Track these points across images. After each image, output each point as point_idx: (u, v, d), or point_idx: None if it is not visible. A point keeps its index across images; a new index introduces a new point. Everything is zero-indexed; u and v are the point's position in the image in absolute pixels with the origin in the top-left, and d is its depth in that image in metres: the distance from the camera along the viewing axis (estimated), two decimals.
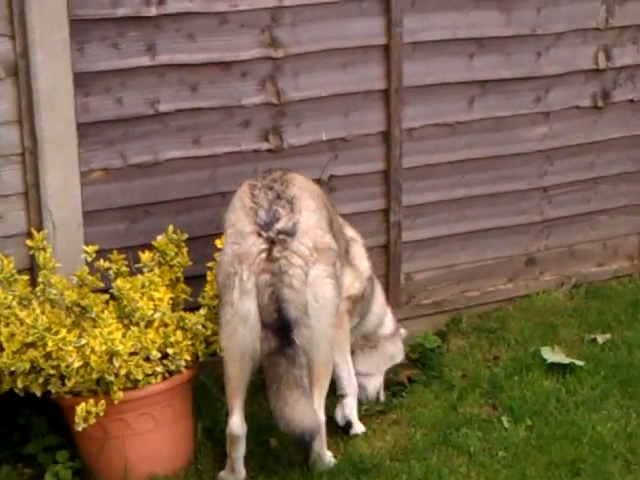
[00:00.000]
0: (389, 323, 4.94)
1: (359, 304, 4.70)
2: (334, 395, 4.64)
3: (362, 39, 5.09)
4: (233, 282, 4.07)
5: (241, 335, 4.06)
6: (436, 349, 5.25)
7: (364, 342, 4.87)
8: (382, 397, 4.94)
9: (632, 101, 5.86)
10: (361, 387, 4.80)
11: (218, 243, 4.42)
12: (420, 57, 5.23)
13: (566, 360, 5.10)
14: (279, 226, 4.12)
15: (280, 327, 4.00)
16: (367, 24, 5.08)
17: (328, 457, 4.35)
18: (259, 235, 4.11)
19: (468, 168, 5.50)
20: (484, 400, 4.91)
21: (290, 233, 4.11)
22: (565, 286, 5.87)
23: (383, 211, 5.32)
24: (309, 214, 4.21)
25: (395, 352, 4.96)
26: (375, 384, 4.91)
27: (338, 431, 4.61)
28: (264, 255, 4.07)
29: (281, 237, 4.09)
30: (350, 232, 4.74)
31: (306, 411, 4.00)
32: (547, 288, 5.82)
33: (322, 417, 4.25)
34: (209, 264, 4.51)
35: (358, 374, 4.76)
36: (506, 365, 5.16)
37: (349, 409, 4.64)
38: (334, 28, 5.01)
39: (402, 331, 5.03)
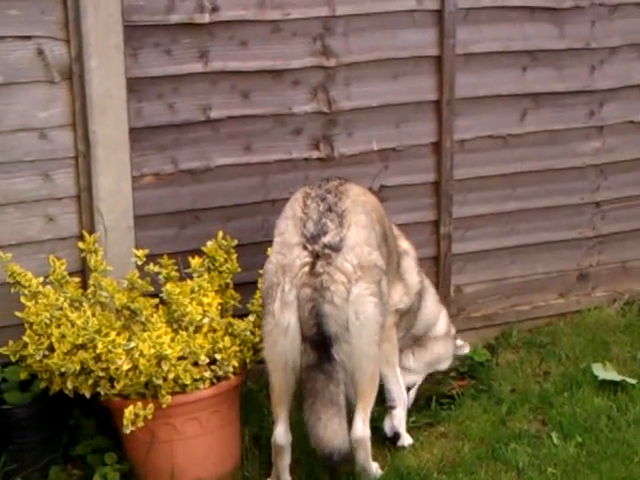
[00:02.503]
0: (441, 325, 4.89)
1: (405, 318, 4.66)
2: (382, 405, 4.61)
3: (414, 50, 5.08)
4: (275, 293, 4.04)
5: (281, 346, 4.02)
6: (485, 363, 5.21)
7: (413, 342, 4.83)
8: (411, 397, 4.85)
9: None
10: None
11: (269, 251, 4.38)
12: (472, 69, 5.22)
13: (618, 377, 5.02)
14: (325, 240, 4.06)
15: (319, 342, 3.97)
16: (419, 35, 5.08)
17: (374, 468, 4.30)
18: (304, 248, 4.06)
19: (520, 181, 5.47)
20: (533, 415, 4.85)
21: (336, 248, 4.05)
22: (617, 303, 5.80)
23: (433, 222, 5.30)
24: (358, 230, 4.15)
25: (443, 354, 4.91)
26: (409, 381, 4.84)
27: (385, 442, 4.57)
28: (307, 269, 4.03)
29: (326, 251, 4.04)
30: (404, 244, 4.70)
31: (337, 431, 3.97)
32: (599, 304, 5.76)
33: (368, 432, 4.19)
34: (260, 271, 4.46)
35: (401, 367, 4.73)
36: (556, 381, 5.10)
37: (398, 420, 4.61)
38: (386, 38, 5.01)
39: (454, 334, 4.99)
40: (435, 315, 4.87)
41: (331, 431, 3.95)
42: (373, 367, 4.16)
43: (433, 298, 4.86)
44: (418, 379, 4.89)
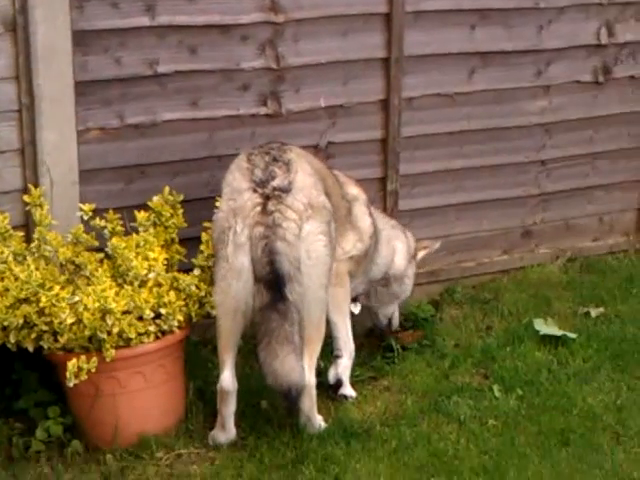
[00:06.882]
0: (400, 261, 4.96)
1: (362, 264, 4.73)
2: (327, 359, 4.67)
3: (364, 7, 5.08)
4: (227, 237, 4.11)
5: (235, 289, 4.09)
6: (429, 318, 5.27)
7: (376, 283, 4.93)
8: (395, 324, 5.08)
9: (633, 77, 5.87)
10: (373, 314, 5.02)
11: (218, 203, 4.37)
12: (422, 27, 5.23)
13: (559, 332, 5.11)
14: (275, 183, 4.16)
15: (273, 281, 4.02)
16: None
17: (319, 421, 4.37)
18: (254, 191, 4.15)
19: (467, 139, 5.51)
20: (476, 369, 4.93)
21: (285, 190, 4.15)
22: (560, 259, 5.88)
23: (380, 179, 5.33)
24: (305, 175, 4.26)
25: (404, 289, 5.04)
26: (385, 312, 5.04)
27: (329, 392, 4.63)
28: (259, 209, 4.11)
29: (276, 193, 4.14)
30: (353, 190, 4.75)
31: (294, 367, 4.03)
32: (542, 261, 5.84)
33: (313, 379, 4.27)
34: (205, 224, 4.50)
35: (371, 305, 4.97)
36: (499, 336, 5.18)
37: (342, 369, 4.66)
38: None
39: (421, 254, 5.12)
40: (389, 257, 4.92)
41: (288, 367, 4.00)
42: (320, 312, 4.25)
43: (385, 244, 4.89)
44: (391, 308, 5.06)
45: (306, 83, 5.02)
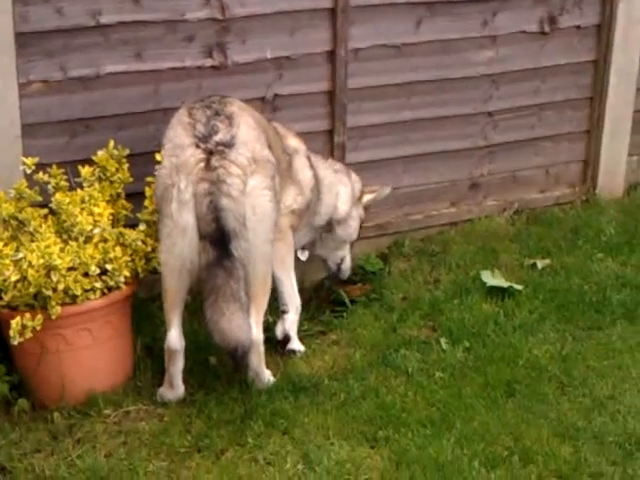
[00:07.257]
0: (343, 206, 4.96)
1: (304, 217, 4.72)
2: (275, 315, 4.67)
3: None
4: (171, 194, 4.07)
5: (180, 247, 4.06)
6: (378, 271, 5.28)
7: (320, 229, 4.93)
8: (347, 271, 5.10)
9: (579, 27, 5.87)
10: (323, 261, 5.05)
11: (158, 157, 4.35)
12: None
13: (505, 284, 5.15)
14: (217, 138, 4.12)
15: (218, 238, 3.99)
16: None
17: (267, 376, 4.38)
18: (197, 146, 4.10)
19: (414, 91, 5.48)
20: (423, 322, 4.95)
21: (228, 145, 4.11)
22: (507, 211, 5.91)
23: (327, 132, 5.29)
24: (248, 129, 4.22)
25: (349, 233, 5.05)
26: (334, 258, 5.06)
27: (277, 349, 4.63)
28: (202, 164, 4.06)
29: (219, 148, 4.09)
30: (292, 142, 4.72)
31: (241, 325, 4.02)
32: (489, 213, 5.86)
33: (260, 335, 4.27)
34: (149, 179, 4.45)
35: (319, 254, 4.99)
36: (446, 288, 5.21)
37: (289, 324, 4.67)
38: None
39: (368, 197, 5.11)
40: (332, 205, 4.91)
41: (235, 325, 3.99)
42: (266, 267, 4.24)
43: (327, 188, 4.88)
44: (340, 254, 5.08)
45: (252, 34, 4.96)
